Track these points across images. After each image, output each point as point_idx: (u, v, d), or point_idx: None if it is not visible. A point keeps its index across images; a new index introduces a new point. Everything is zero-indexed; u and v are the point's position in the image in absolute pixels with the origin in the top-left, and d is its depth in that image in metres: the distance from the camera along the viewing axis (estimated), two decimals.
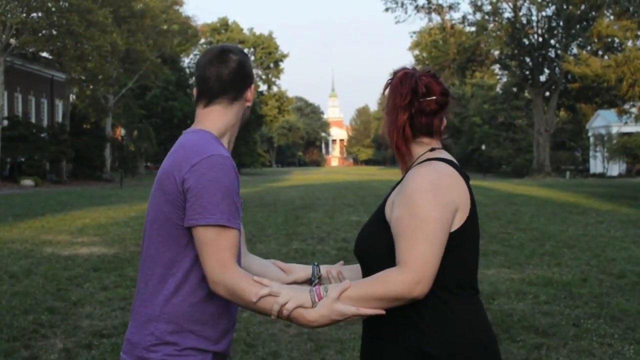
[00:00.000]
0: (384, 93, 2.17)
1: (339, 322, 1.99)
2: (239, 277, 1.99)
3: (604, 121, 50.63)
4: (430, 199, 1.96)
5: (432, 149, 2.13)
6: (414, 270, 1.91)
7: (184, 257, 2.06)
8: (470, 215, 2.03)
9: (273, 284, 1.98)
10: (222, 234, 1.98)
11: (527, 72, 52.11)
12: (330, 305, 1.93)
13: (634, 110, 33.10)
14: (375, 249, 2.05)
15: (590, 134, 54.97)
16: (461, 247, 2.02)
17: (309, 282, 2.33)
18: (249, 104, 2.25)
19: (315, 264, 2.38)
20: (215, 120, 2.18)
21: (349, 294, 1.94)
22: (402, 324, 2.00)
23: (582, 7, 44.68)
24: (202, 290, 2.07)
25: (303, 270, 2.36)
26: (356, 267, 2.27)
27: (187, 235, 2.05)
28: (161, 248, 2.09)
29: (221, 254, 1.98)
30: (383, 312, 1.95)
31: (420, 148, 2.13)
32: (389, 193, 2.13)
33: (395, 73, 2.16)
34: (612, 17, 31.72)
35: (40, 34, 34.30)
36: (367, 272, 2.06)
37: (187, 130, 2.20)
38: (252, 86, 2.25)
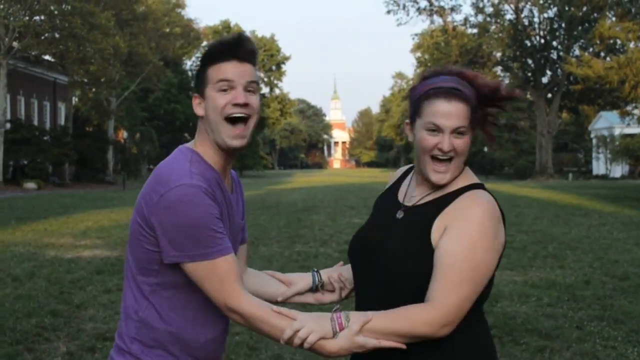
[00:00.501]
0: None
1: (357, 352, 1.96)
2: (255, 307, 1.92)
3: (607, 123, 50.58)
4: (489, 246, 1.89)
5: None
6: (444, 315, 1.86)
7: (151, 277, 1.98)
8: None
9: (292, 314, 1.91)
10: (215, 266, 1.90)
11: (529, 74, 52.05)
12: (351, 337, 1.88)
13: (636, 111, 33.09)
14: (416, 274, 1.94)
15: (592, 135, 54.91)
16: (491, 278, 1.99)
17: (310, 290, 2.29)
18: (199, 112, 2.02)
19: (315, 270, 2.33)
20: (196, 137, 2.05)
21: (372, 327, 1.89)
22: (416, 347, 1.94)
23: (584, 8, 44.64)
24: (173, 314, 2.00)
25: (303, 280, 2.30)
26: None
27: (156, 259, 1.96)
28: (134, 267, 2.02)
29: (225, 286, 1.91)
30: (404, 346, 1.90)
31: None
32: (433, 214, 1.98)
33: (466, 76, 2.03)
34: (614, 19, 31.72)
35: (42, 37, 34.34)
36: (397, 294, 1.96)
37: (181, 146, 2.07)
38: (195, 95, 2.03)
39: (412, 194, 2.09)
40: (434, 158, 1.99)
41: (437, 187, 2.03)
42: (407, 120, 2.10)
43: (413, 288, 1.94)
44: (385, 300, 1.97)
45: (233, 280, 1.92)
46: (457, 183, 2.02)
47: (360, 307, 2.08)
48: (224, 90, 1.96)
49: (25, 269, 9.49)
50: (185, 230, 1.86)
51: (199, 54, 73.96)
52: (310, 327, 1.88)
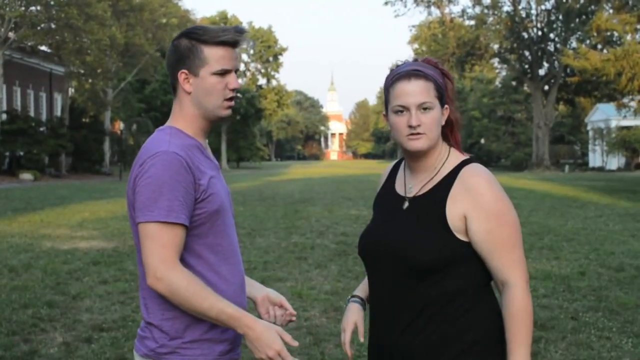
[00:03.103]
0: (446, 82, 2.12)
1: None
2: (186, 278, 1.93)
3: (603, 115, 50.60)
4: (508, 204, 2.05)
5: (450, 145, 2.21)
6: (523, 277, 2.03)
7: None
8: None
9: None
10: (162, 230, 1.92)
11: (527, 66, 52.03)
12: None
13: (632, 104, 33.06)
14: (436, 259, 2.00)
15: (589, 127, 54.96)
16: None
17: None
18: (187, 89, 2.06)
19: (357, 299, 2.27)
20: (174, 113, 2.12)
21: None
22: (447, 329, 2.02)
23: (582, 0, 44.60)
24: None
25: (358, 314, 2.24)
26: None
27: None
28: (137, 246, 2.07)
29: (163, 251, 1.92)
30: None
31: (445, 145, 2.18)
32: (441, 198, 2.05)
33: (429, 61, 2.13)
34: (611, 11, 31.73)
35: (39, 28, 34.20)
36: (416, 281, 2.02)
37: (158, 128, 2.14)
38: (184, 71, 2.05)
39: (410, 185, 2.14)
40: (409, 136, 2.07)
41: (431, 172, 2.10)
42: (383, 112, 2.17)
43: (431, 273, 1.99)
44: (402, 289, 2.03)
45: (173, 252, 1.94)
46: (448, 165, 2.10)
47: (374, 301, 2.13)
48: (221, 75, 2.06)
49: (22, 260, 9.49)
50: (152, 190, 1.93)
51: None
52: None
